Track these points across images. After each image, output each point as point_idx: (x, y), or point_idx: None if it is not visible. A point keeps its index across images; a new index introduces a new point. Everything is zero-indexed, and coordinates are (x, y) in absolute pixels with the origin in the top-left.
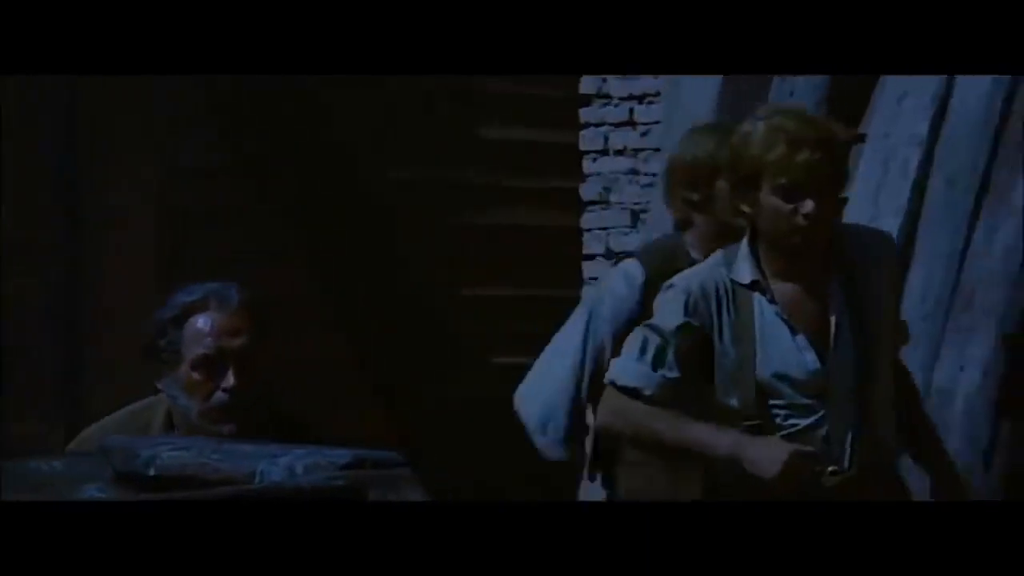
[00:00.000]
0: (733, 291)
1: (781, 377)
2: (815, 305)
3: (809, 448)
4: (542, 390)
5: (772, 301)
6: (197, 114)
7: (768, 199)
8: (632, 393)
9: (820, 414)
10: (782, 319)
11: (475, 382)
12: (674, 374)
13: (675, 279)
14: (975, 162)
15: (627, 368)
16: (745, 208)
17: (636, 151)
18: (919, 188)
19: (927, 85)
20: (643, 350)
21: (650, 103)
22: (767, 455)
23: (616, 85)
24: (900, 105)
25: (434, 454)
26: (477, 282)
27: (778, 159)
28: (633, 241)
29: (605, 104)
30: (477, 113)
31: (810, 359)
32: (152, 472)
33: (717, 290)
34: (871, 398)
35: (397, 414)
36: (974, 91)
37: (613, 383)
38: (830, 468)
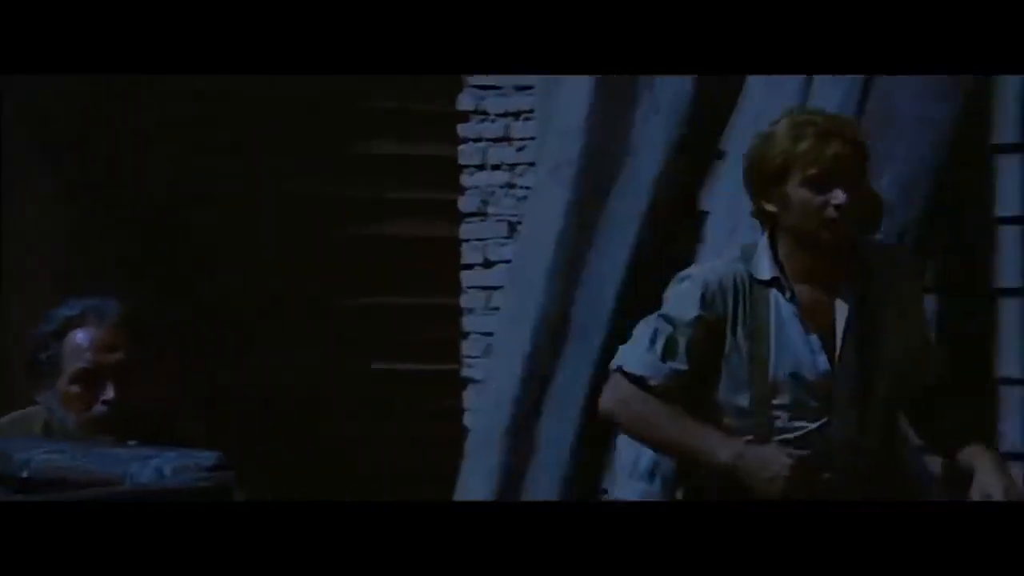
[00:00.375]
0: (751, 287)
1: (794, 377)
2: (830, 308)
3: (805, 452)
4: None
5: (790, 299)
6: (87, 124)
7: (797, 192)
8: (638, 381)
9: (826, 419)
10: (798, 318)
11: (364, 387)
12: (683, 366)
13: (691, 271)
14: None
15: (636, 356)
16: (770, 207)
17: (512, 166)
18: None
19: (781, 104)
20: (653, 340)
21: (526, 119)
22: (769, 467)
23: (493, 102)
24: (756, 125)
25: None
26: (362, 291)
27: (808, 149)
28: (510, 252)
29: (482, 120)
30: (359, 127)
31: (822, 361)
32: (25, 474)
33: (735, 284)
34: (870, 408)
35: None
36: (828, 104)
37: (620, 368)
38: (825, 475)
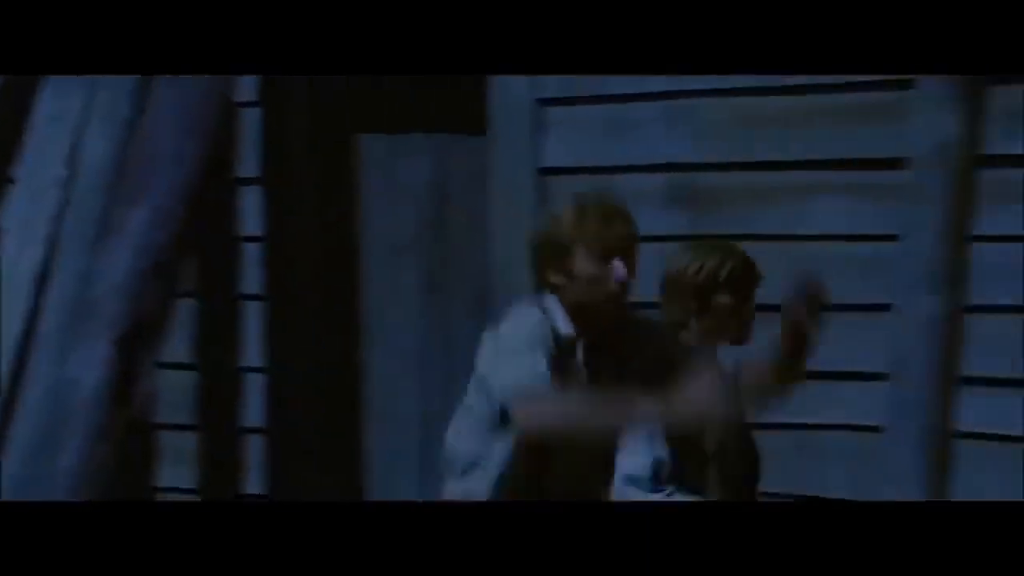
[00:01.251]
0: (556, 339)
1: None
2: (605, 368)
3: (715, 372)
4: None
5: (581, 356)
6: None
7: (583, 266)
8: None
9: None
10: (587, 375)
11: None
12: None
13: (513, 328)
14: (98, 198)
15: (525, 370)
16: (557, 279)
17: None
18: (58, 221)
19: (64, 135)
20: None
21: None
22: (699, 396)
23: None
24: (44, 150)
25: None
26: None
27: (595, 229)
28: None
29: None
30: None
31: None
32: None
33: (551, 332)
34: None
35: None
36: (101, 141)
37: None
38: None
